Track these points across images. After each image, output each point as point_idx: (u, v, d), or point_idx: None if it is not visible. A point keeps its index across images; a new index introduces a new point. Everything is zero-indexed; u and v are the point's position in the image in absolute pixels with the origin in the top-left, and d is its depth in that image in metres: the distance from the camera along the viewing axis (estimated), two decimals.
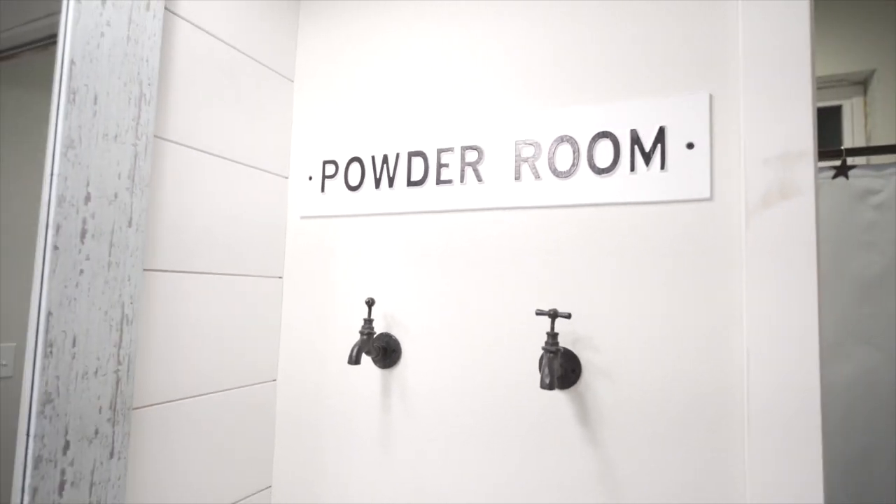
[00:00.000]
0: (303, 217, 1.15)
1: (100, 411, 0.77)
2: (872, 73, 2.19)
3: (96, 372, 0.77)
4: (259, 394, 1.10)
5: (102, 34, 0.77)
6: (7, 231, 0.81)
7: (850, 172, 1.63)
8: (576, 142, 0.90)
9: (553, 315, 0.82)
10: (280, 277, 1.16)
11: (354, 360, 0.92)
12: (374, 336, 1.03)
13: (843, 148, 1.63)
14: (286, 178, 1.18)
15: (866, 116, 2.28)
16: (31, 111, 0.81)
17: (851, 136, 2.24)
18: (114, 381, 0.78)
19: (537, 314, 0.84)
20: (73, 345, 0.74)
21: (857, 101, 2.29)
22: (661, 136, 0.84)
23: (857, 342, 1.57)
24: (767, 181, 0.75)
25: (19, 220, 0.79)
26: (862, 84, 2.28)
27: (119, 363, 0.79)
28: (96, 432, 0.77)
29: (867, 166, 1.63)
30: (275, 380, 1.15)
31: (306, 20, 1.20)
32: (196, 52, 0.96)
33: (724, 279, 0.79)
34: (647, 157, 0.84)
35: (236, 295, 1.04)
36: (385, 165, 1.06)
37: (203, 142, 0.97)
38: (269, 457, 1.13)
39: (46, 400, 0.71)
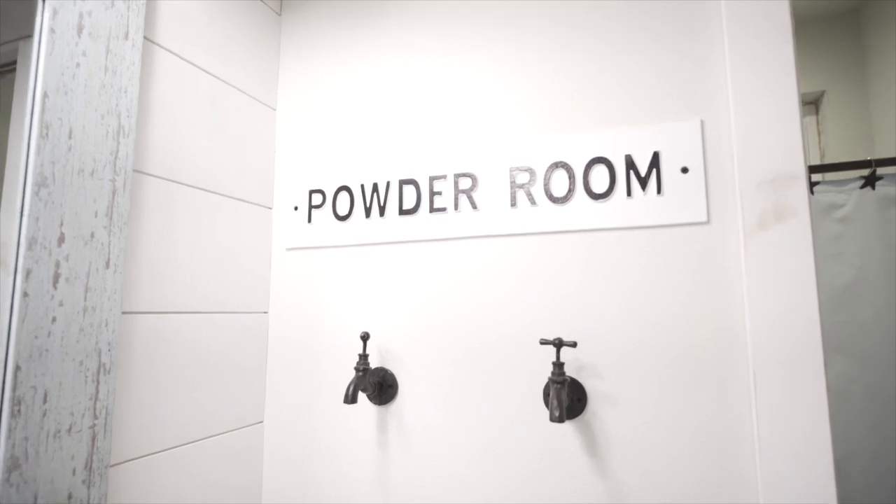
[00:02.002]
0: (289, 249, 1.11)
1: (73, 472, 0.70)
2: (822, 93, 2.33)
3: (70, 429, 0.70)
4: (245, 438, 1.03)
5: (78, 65, 0.72)
6: None
7: (815, 188, 1.70)
8: (571, 168, 0.89)
9: (558, 344, 0.80)
10: (265, 312, 1.11)
11: (351, 398, 0.87)
12: (370, 371, 0.99)
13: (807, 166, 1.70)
14: (270, 208, 1.13)
15: (819, 135, 2.41)
16: None
17: (807, 155, 2.36)
18: (89, 437, 0.71)
19: (542, 343, 0.82)
20: (45, 401, 0.67)
21: (810, 121, 2.42)
22: (655, 161, 0.84)
23: (829, 350, 1.62)
24: (762, 204, 0.77)
25: None
26: (814, 104, 2.42)
27: (95, 417, 0.72)
28: (69, 497, 0.69)
29: (828, 182, 1.71)
30: (261, 422, 1.08)
31: (288, 48, 1.18)
32: (177, 81, 0.91)
33: (725, 300, 0.79)
34: (643, 182, 0.85)
35: (220, 334, 0.98)
36: (375, 194, 1.03)
37: (184, 174, 0.92)
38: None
39: (13, 465, 0.64)
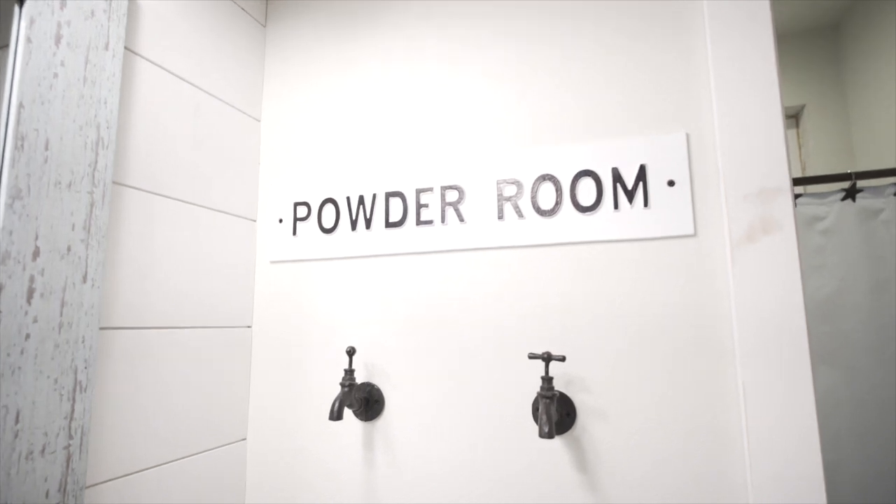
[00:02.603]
0: (273, 262, 1.09)
1: (47, 496, 0.67)
2: (803, 107, 2.38)
3: (43, 450, 0.67)
4: (227, 456, 1.00)
5: (56, 75, 0.71)
6: None
7: (797, 201, 1.73)
8: (558, 180, 0.89)
9: (547, 358, 0.80)
10: (249, 327, 1.08)
11: (336, 415, 0.85)
12: (356, 387, 0.97)
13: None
14: (254, 221, 1.12)
15: (800, 148, 2.45)
16: None
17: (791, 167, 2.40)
18: (64, 458, 0.69)
19: (530, 357, 0.81)
20: (17, 421, 0.64)
21: (791, 134, 2.47)
22: (642, 174, 0.85)
23: (814, 361, 1.63)
24: (749, 217, 0.77)
25: None
26: (794, 118, 2.47)
27: (70, 437, 0.70)
28: None
29: (810, 195, 1.73)
30: (244, 439, 1.05)
31: (273, 59, 1.17)
32: (159, 92, 0.90)
33: (712, 312, 0.79)
34: (630, 195, 0.85)
35: (201, 349, 0.96)
36: (361, 206, 1.02)
37: (166, 186, 0.91)
38: None
39: None
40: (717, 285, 0.79)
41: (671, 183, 0.83)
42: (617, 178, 0.86)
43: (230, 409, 1.02)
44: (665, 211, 0.83)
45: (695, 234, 0.81)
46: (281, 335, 1.06)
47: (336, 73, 1.10)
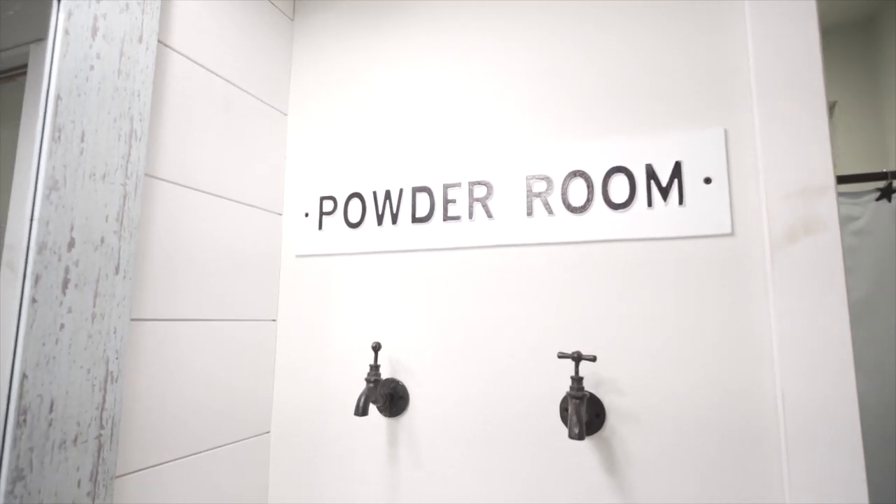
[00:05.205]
0: (298, 256, 1.09)
1: (78, 484, 0.68)
2: (834, 104, 2.31)
3: (76, 439, 0.68)
4: (252, 448, 1.01)
5: (92, 67, 0.71)
6: None
7: None
8: (589, 176, 0.88)
9: (577, 358, 0.78)
10: (274, 321, 1.09)
11: (362, 411, 0.85)
12: (381, 382, 0.97)
13: None
14: (280, 214, 1.12)
15: (831, 147, 2.38)
16: None
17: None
18: (95, 447, 0.69)
19: (560, 357, 0.80)
20: (51, 410, 0.65)
21: None
22: (677, 171, 0.82)
23: None
24: (790, 217, 0.75)
25: None
26: None
27: (102, 427, 0.70)
28: None
29: (843, 194, 1.68)
30: (268, 432, 1.06)
31: (300, 52, 1.17)
32: (190, 85, 0.90)
33: (749, 314, 0.76)
34: (665, 192, 0.83)
35: (228, 342, 0.96)
36: (388, 201, 1.02)
37: (195, 179, 0.91)
38: None
39: (17, 477, 0.62)
40: (755, 287, 0.77)
41: (708, 180, 0.81)
42: (651, 174, 0.84)
43: (255, 402, 1.03)
44: (701, 209, 0.80)
45: (732, 234, 0.79)
46: (305, 329, 1.06)
47: (363, 66, 1.10)
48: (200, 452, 0.90)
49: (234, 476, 0.96)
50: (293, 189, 1.12)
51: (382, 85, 1.07)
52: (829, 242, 0.72)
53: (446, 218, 0.96)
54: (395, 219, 1.00)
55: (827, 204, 0.73)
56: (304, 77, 1.15)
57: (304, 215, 1.09)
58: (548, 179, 0.90)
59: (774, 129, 0.77)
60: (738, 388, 0.76)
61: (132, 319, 0.78)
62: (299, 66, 1.17)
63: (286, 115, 1.15)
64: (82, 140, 0.69)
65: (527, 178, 0.92)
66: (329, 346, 1.04)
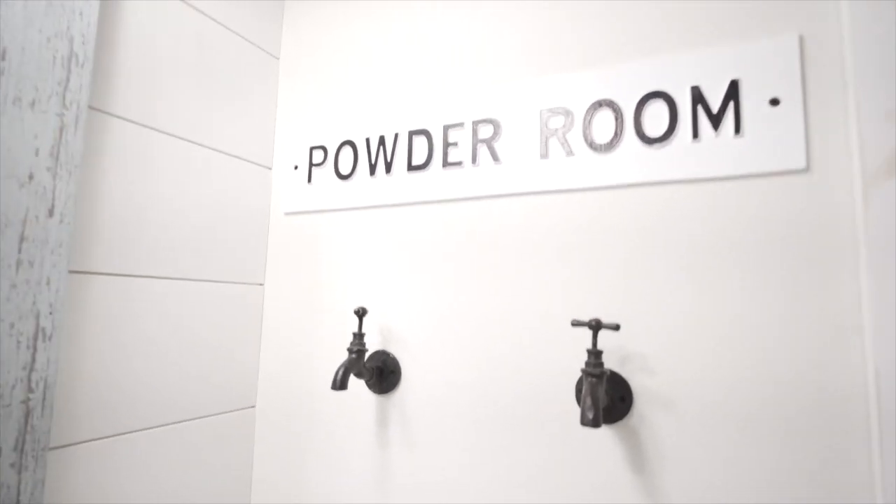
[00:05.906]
0: (287, 213, 0.98)
1: (0, 454, 0.59)
2: None
3: None
4: (234, 423, 0.91)
5: None
6: None
7: None
8: (618, 106, 0.70)
9: (595, 327, 0.62)
10: (261, 284, 0.98)
11: (339, 384, 0.73)
12: (368, 354, 0.84)
13: None
14: (269, 168, 1.01)
15: None
16: None
17: None
18: (21, 413, 0.60)
19: (574, 325, 0.64)
20: None
21: None
22: (733, 92, 0.64)
23: None
24: (890, 143, 0.55)
25: None
26: None
27: (30, 391, 0.61)
28: None
29: None
30: (253, 406, 0.96)
31: None
32: (157, 15, 0.80)
33: (830, 274, 0.58)
34: (716, 120, 0.64)
35: (207, 305, 0.86)
36: (382, 148, 0.88)
37: (164, 122, 0.81)
38: (247, 501, 0.93)
39: None
40: (839, 238, 0.58)
41: (775, 101, 0.62)
42: (698, 98, 0.66)
43: (239, 374, 0.93)
44: (764, 139, 0.62)
45: (807, 169, 0.60)
46: (294, 294, 0.95)
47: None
48: (172, 423, 0.80)
49: (215, 452, 0.87)
50: (284, 140, 1.01)
51: (380, 16, 0.93)
52: None
53: (446, 164, 0.82)
54: (388, 167, 0.87)
55: None
56: (298, 16, 1.03)
57: (293, 168, 0.97)
58: (567, 113, 0.74)
59: (871, 33, 0.58)
60: (815, 368, 0.57)
61: (72, 271, 0.68)
62: (292, 3, 1.04)
63: (278, 58, 1.03)
64: (3, 58, 0.59)
65: (541, 113, 0.76)
66: (320, 313, 0.92)
